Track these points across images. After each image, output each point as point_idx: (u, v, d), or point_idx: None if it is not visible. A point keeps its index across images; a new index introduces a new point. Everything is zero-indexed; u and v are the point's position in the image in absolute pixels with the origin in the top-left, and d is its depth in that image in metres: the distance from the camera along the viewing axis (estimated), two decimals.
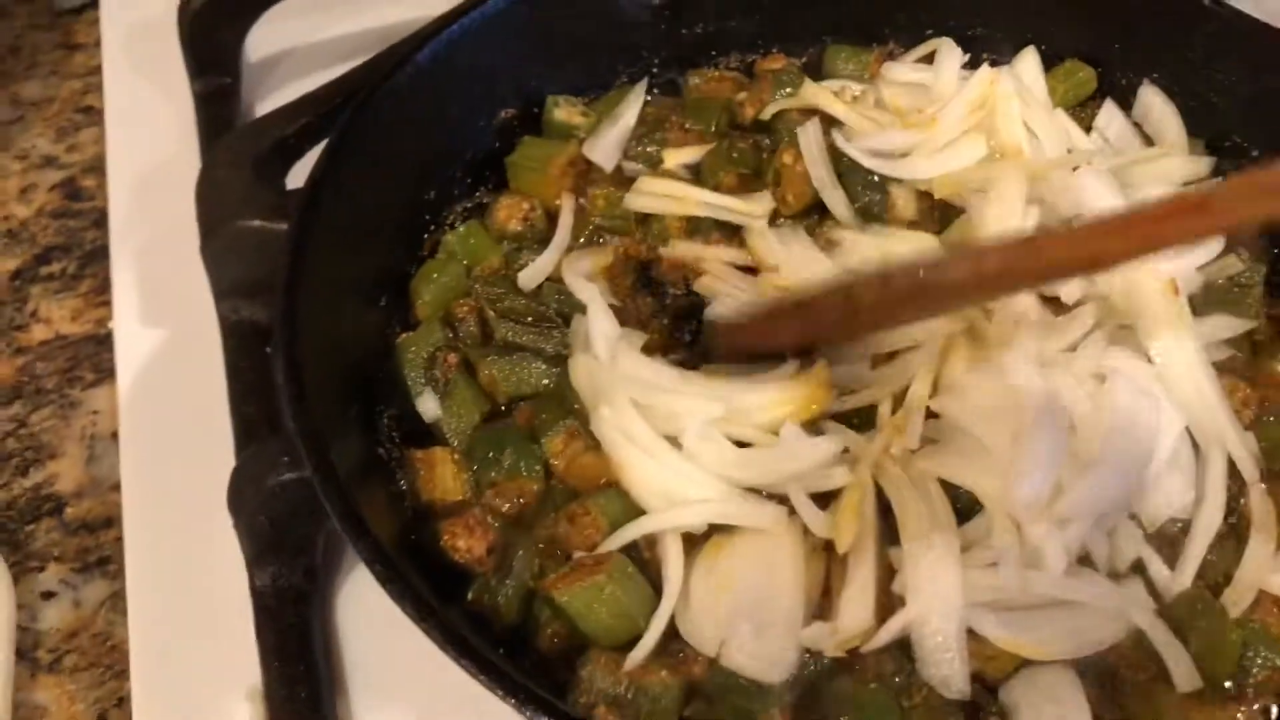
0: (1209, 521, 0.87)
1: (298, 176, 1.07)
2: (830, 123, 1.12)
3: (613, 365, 0.92)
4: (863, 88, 1.16)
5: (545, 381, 0.95)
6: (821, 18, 1.20)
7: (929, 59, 1.17)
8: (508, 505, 0.90)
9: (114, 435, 1.07)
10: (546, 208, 1.08)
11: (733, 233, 1.06)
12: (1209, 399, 0.92)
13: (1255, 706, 0.81)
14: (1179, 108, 1.12)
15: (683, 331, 1.00)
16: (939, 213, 1.07)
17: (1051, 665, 0.81)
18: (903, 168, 1.07)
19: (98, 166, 1.29)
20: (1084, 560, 0.84)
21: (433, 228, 1.07)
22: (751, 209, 1.06)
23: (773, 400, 0.90)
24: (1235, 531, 0.88)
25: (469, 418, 0.94)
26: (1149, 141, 1.13)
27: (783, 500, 0.86)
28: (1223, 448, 0.90)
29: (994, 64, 1.15)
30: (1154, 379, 0.91)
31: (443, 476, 0.90)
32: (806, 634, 0.81)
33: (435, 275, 1.02)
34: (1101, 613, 0.82)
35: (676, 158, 1.10)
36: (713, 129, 1.13)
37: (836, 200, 1.07)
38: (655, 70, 1.19)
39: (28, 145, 1.34)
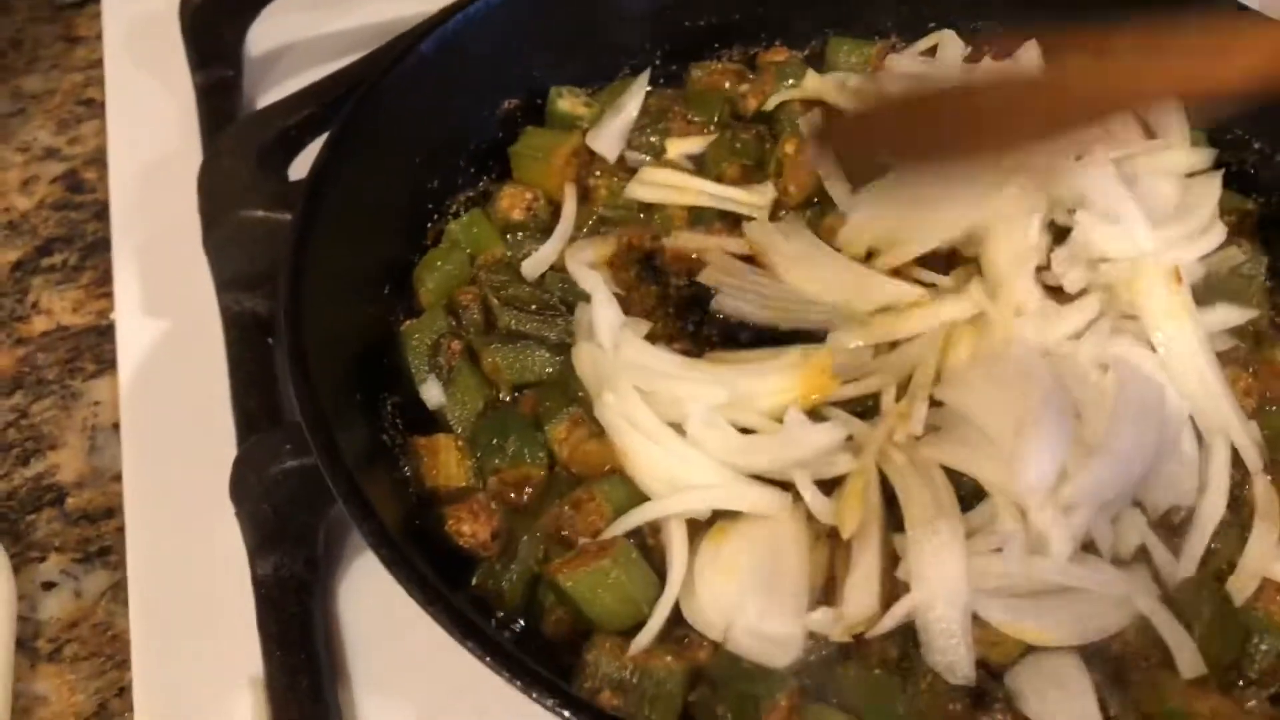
0: (1212, 509, 0.88)
1: (300, 167, 1.07)
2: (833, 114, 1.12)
3: (616, 353, 0.92)
4: (865, 80, 1.17)
5: (549, 369, 0.95)
6: (823, 11, 1.20)
7: (931, 52, 1.17)
8: (512, 492, 0.90)
9: (115, 426, 1.07)
10: (550, 197, 1.08)
11: (735, 223, 1.06)
12: (1212, 388, 0.92)
13: (1259, 693, 0.81)
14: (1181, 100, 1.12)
15: (686, 321, 1.01)
16: None
17: (1056, 651, 0.81)
18: None
19: (99, 159, 1.29)
20: (1088, 547, 0.84)
21: (436, 217, 1.07)
22: (753, 199, 1.07)
23: (777, 386, 0.90)
24: (1239, 520, 0.88)
25: (473, 405, 0.94)
26: (1151, 134, 1.13)
27: (787, 486, 0.86)
28: (1226, 436, 0.90)
29: (996, 57, 1.15)
30: (1158, 368, 0.91)
31: (446, 463, 0.90)
32: (812, 619, 0.81)
33: (439, 263, 1.02)
34: (1106, 599, 0.82)
35: (679, 148, 1.11)
36: (715, 120, 1.13)
37: (838, 191, 1.07)
38: (658, 62, 1.19)
39: (29, 138, 1.34)
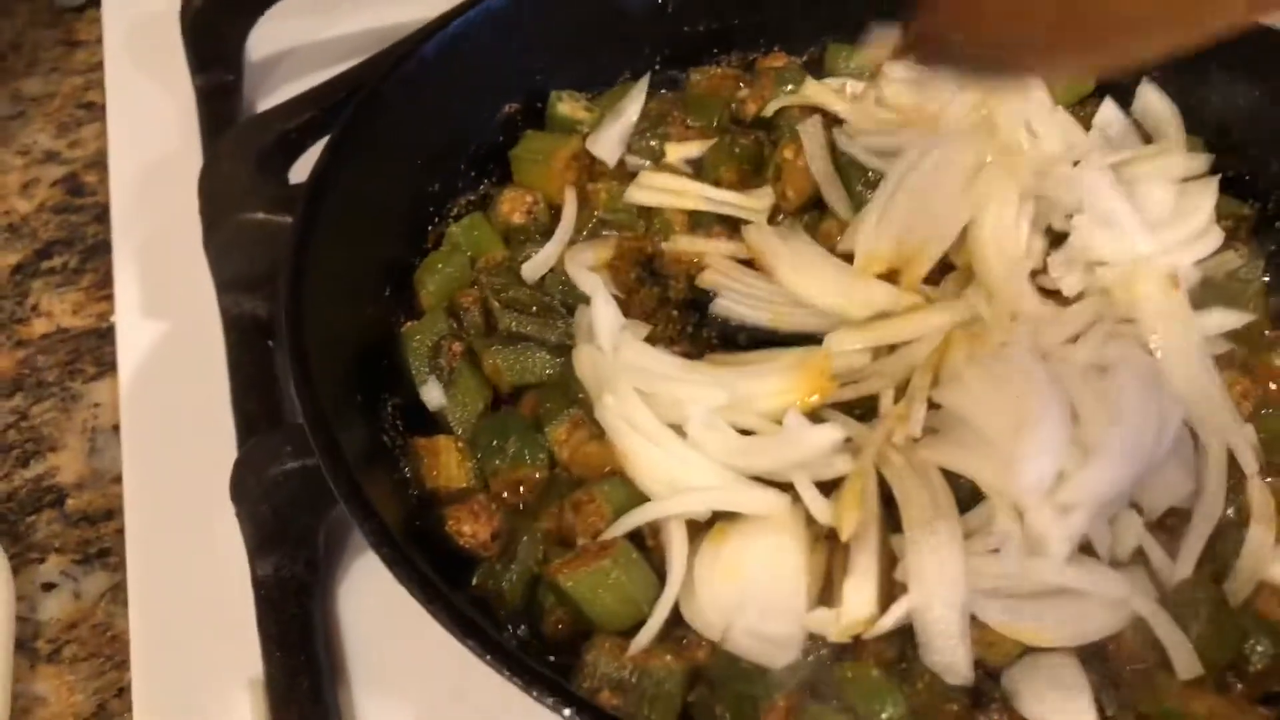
0: (1209, 512, 0.88)
1: (301, 171, 1.07)
2: (831, 120, 1.13)
3: (616, 355, 0.92)
4: (863, 86, 1.17)
5: (549, 371, 0.95)
6: (822, 17, 1.21)
7: None
8: (512, 493, 0.90)
9: (115, 428, 1.07)
10: (550, 201, 1.08)
11: (735, 227, 1.06)
12: (1209, 391, 0.92)
13: (1256, 694, 0.81)
14: (1178, 105, 1.13)
15: (685, 324, 1.01)
16: None
17: (1053, 652, 0.81)
18: None
19: (99, 162, 1.29)
20: (1085, 549, 0.84)
21: (437, 220, 1.08)
22: (752, 204, 1.07)
23: (776, 388, 0.90)
24: (1235, 522, 0.88)
25: (473, 406, 0.94)
26: (1148, 139, 1.14)
27: (786, 488, 0.87)
28: (1222, 439, 0.90)
29: None
30: (1155, 370, 0.91)
31: (447, 464, 0.90)
32: (811, 619, 0.81)
33: (440, 266, 1.02)
34: (1103, 600, 0.82)
35: (678, 152, 1.11)
36: (714, 125, 1.14)
37: (836, 196, 1.08)
38: (658, 67, 1.19)
39: (29, 141, 1.34)
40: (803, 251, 1.03)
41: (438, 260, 1.03)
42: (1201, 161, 1.09)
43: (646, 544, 0.87)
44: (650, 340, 0.95)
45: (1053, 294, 0.99)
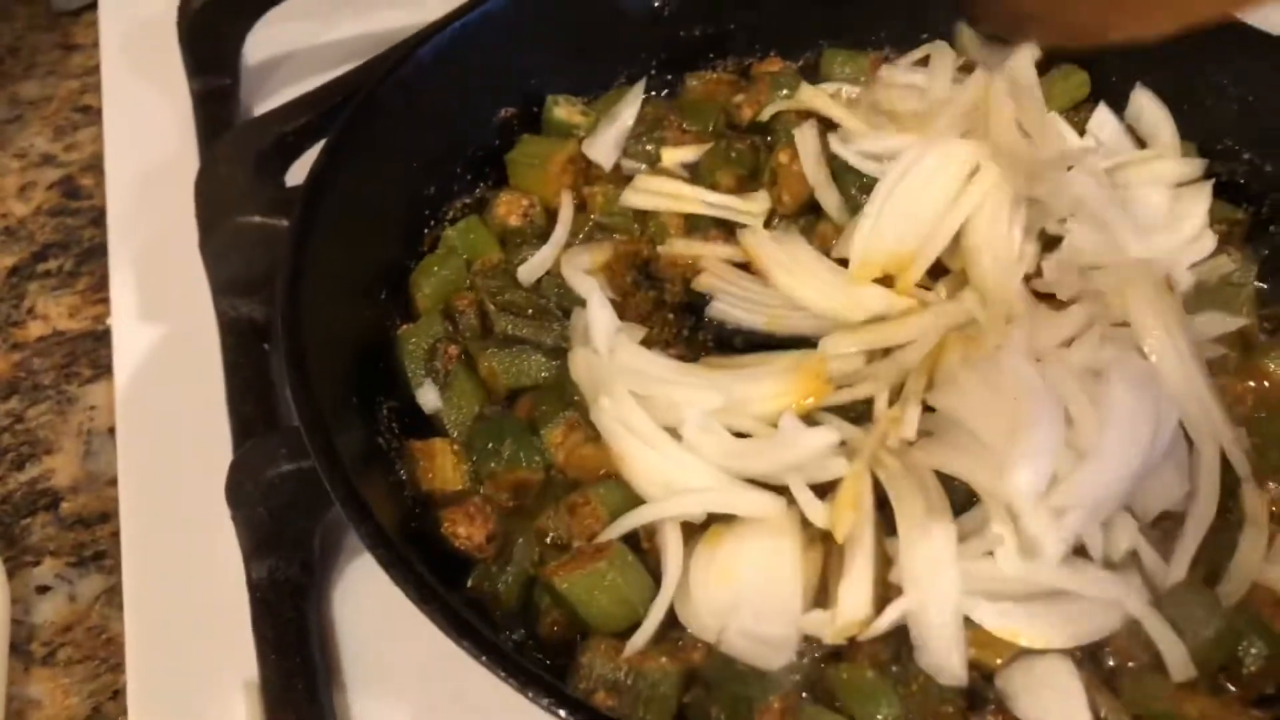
0: (1202, 514, 0.88)
1: (297, 174, 1.08)
2: (826, 125, 1.13)
3: (612, 358, 0.92)
4: (858, 91, 1.18)
5: (545, 374, 0.96)
6: (817, 22, 1.21)
7: (924, 63, 1.18)
8: (507, 496, 0.90)
9: (110, 431, 1.07)
10: (546, 204, 1.09)
11: (731, 231, 1.07)
12: (1202, 395, 0.92)
13: (1249, 696, 0.82)
14: (1171, 111, 1.13)
15: (681, 327, 1.01)
16: None
17: (1048, 654, 0.81)
18: None
19: (96, 165, 1.29)
20: (1079, 551, 0.85)
21: (433, 223, 1.08)
22: (748, 207, 1.08)
23: (771, 391, 0.91)
24: (1228, 525, 0.89)
25: (469, 409, 0.94)
26: (1142, 144, 1.14)
27: (781, 491, 0.87)
28: (1215, 442, 0.91)
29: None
30: (1148, 374, 0.91)
31: (442, 467, 0.90)
32: (806, 621, 0.82)
33: (435, 269, 1.02)
34: (1097, 602, 0.82)
35: (674, 156, 1.12)
36: (710, 129, 1.14)
37: (831, 200, 1.08)
38: (654, 71, 1.20)
39: (26, 144, 1.34)
40: (798, 255, 1.04)
41: (433, 263, 1.03)
42: (1195, 166, 1.10)
43: (642, 546, 0.87)
44: (646, 343, 0.95)
45: (1047, 298, 0.99)
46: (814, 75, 1.20)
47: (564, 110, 1.14)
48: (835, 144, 1.10)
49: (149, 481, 1.02)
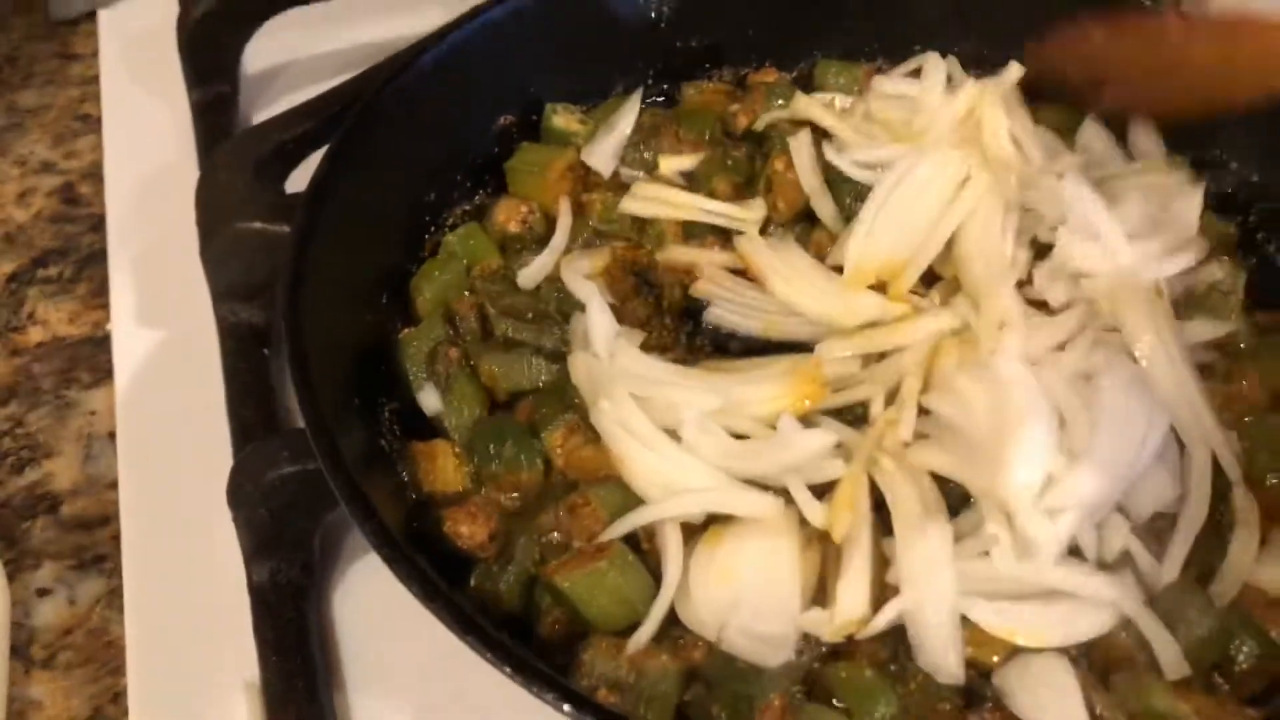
0: (1194, 516, 0.89)
1: (297, 182, 1.09)
2: (821, 134, 1.14)
3: (611, 361, 0.93)
4: (851, 100, 1.19)
5: (545, 377, 0.96)
6: (812, 33, 1.23)
7: (917, 74, 1.20)
8: (507, 497, 0.91)
9: (111, 435, 1.07)
10: (545, 211, 1.09)
11: (728, 238, 1.08)
12: (1193, 398, 0.94)
13: (1242, 694, 0.83)
14: (1160, 123, 1.14)
15: (679, 332, 1.03)
16: None
17: (1044, 652, 0.83)
18: None
19: (95, 173, 1.30)
20: (1073, 552, 0.86)
21: (433, 229, 1.09)
22: (744, 215, 1.09)
23: (769, 393, 0.92)
24: (1219, 527, 0.90)
25: (470, 412, 0.95)
26: (1130, 157, 1.16)
27: (779, 492, 0.88)
28: (1207, 446, 0.92)
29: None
30: (1140, 377, 0.93)
31: (443, 469, 0.91)
32: (805, 619, 0.82)
33: (436, 273, 1.03)
34: (1092, 602, 0.83)
35: (672, 164, 1.13)
36: (707, 138, 1.15)
37: (826, 208, 1.09)
38: (651, 81, 1.21)
39: (25, 151, 1.35)
40: (794, 262, 1.05)
41: (434, 268, 1.04)
42: (1183, 176, 1.11)
43: (642, 546, 0.87)
44: (645, 348, 0.96)
45: (1039, 304, 1.00)
46: (808, 85, 1.21)
47: (562, 118, 1.15)
48: (829, 153, 1.11)
49: (149, 485, 1.02)
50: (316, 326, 0.88)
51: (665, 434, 0.89)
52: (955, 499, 0.88)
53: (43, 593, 0.99)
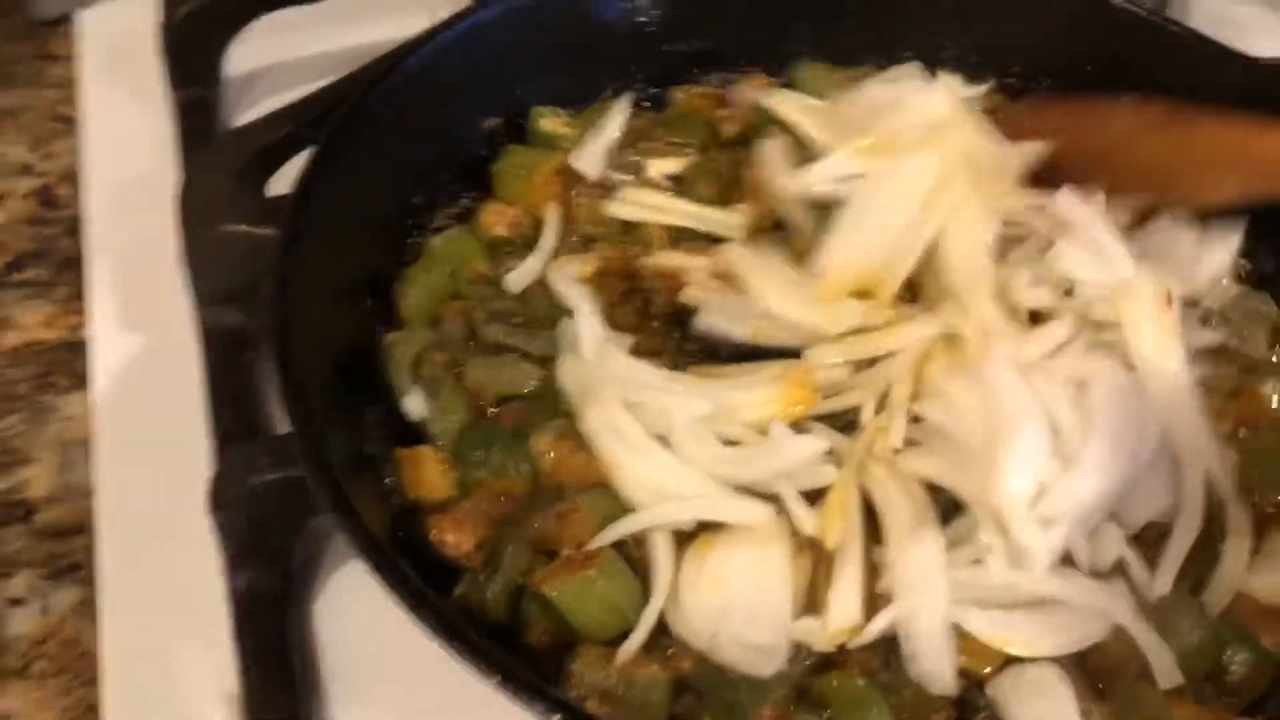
0: (1188, 529, 0.89)
1: (279, 185, 1.08)
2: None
3: (600, 366, 0.92)
4: (826, 104, 1.17)
5: (533, 382, 0.95)
6: (801, 39, 1.22)
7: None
8: (494, 504, 0.90)
9: (87, 441, 1.05)
10: (532, 215, 1.09)
11: (716, 243, 1.07)
12: (1191, 411, 0.93)
13: (1235, 704, 0.83)
14: None
15: (667, 337, 1.01)
16: None
17: (1037, 661, 0.82)
18: None
19: (73, 175, 1.28)
20: (1066, 560, 0.85)
21: (419, 232, 1.07)
22: (729, 220, 1.08)
23: (759, 399, 0.91)
24: (1213, 536, 0.89)
25: (456, 417, 0.94)
26: None
27: (770, 498, 0.87)
28: (1201, 457, 0.91)
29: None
30: (1133, 384, 0.92)
31: (429, 475, 0.90)
32: (797, 628, 0.82)
33: (421, 277, 1.02)
34: (1085, 611, 0.83)
35: (659, 168, 1.12)
36: (695, 143, 1.15)
37: (796, 214, 1.07)
38: (639, 85, 1.20)
39: (2, 153, 1.33)
40: (778, 269, 1.03)
41: (419, 272, 1.03)
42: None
43: (632, 555, 0.86)
44: (634, 353, 0.95)
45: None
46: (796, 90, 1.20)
47: (549, 122, 1.14)
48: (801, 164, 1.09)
49: (126, 492, 1.00)
50: (302, 331, 0.87)
51: (655, 439, 0.88)
52: (946, 506, 0.88)
53: (16, 602, 0.97)
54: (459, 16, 1.09)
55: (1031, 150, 1.04)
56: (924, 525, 0.84)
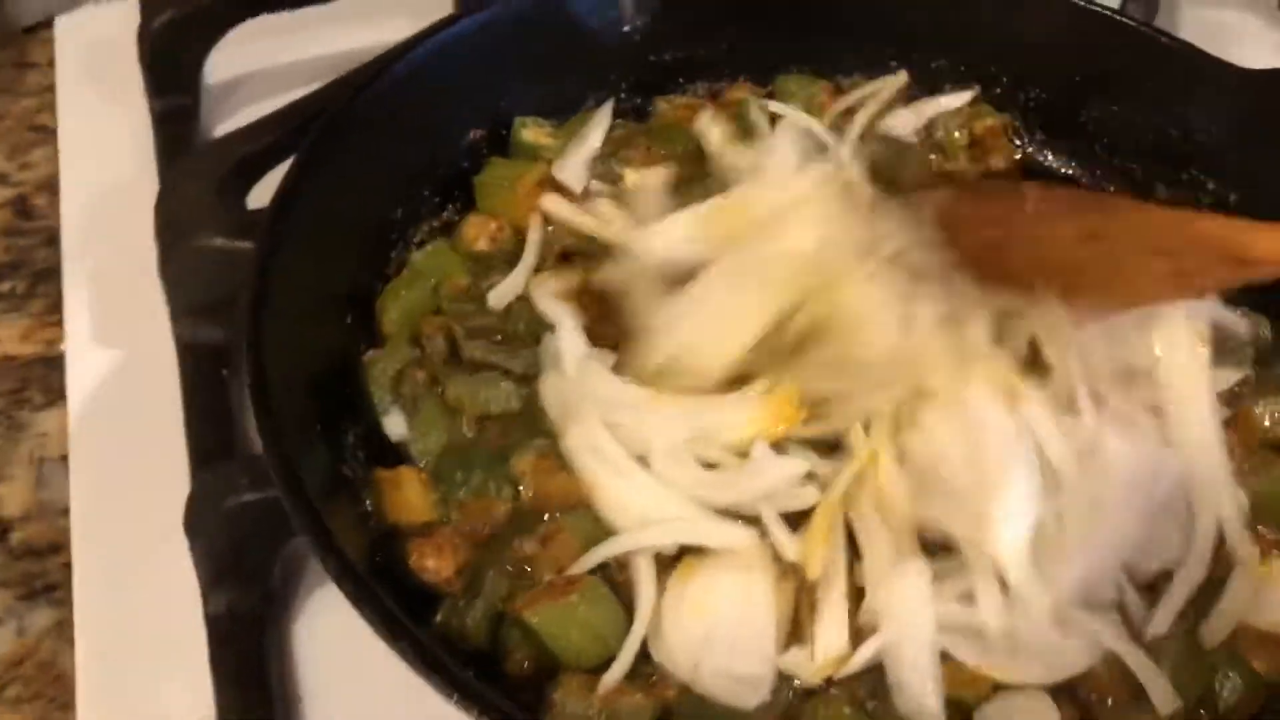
0: (1193, 573, 0.86)
1: (259, 197, 1.06)
2: None
3: (581, 383, 0.91)
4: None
5: (514, 401, 0.94)
6: (788, 48, 1.21)
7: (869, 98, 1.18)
8: (476, 526, 0.88)
9: (63, 459, 1.04)
10: (515, 227, 1.07)
11: None
12: (1213, 453, 0.90)
13: None
14: (1138, 140, 1.14)
15: None
16: None
17: (1026, 689, 0.81)
18: None
19: (50, 185, 1.26)
20: None
21: (400, 246, 1.06)
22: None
23: (741, 419, 0.89)
24: (1215, 575, 0.87)
25: (436, 437, 0.92)
26: None
27: (753, 522, 0.85)
28: (1217, 503, 0.89)
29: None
30: (1156, 433, 0.89)
31: (409, 496, 0.88)
32: (785, 660, 0.81)
33: (402, 293, 1.01)
34: (1075, 638, 0.82)
35: (637, 179, 1.10)
36: (679, 153, 1.13)
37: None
38: (623, 95, 1.19)
39: None
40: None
41: (400, 287, 1.01)
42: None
43: (614, 580, 0.85)
44: (617, 370, 0.94)
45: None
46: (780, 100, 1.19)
47: (531, 132, 1.13)
48: None
49: (102, 511, 0.99)
50: (278, 348, 0.85)
51: (636, 461, 0.87)
52: (934, 536, 0.85)
53: None
54: (442, 25, 1.08)
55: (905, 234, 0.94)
56: (907, 557, 0.83)
